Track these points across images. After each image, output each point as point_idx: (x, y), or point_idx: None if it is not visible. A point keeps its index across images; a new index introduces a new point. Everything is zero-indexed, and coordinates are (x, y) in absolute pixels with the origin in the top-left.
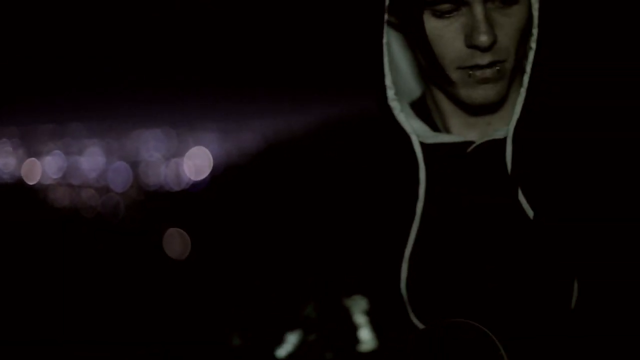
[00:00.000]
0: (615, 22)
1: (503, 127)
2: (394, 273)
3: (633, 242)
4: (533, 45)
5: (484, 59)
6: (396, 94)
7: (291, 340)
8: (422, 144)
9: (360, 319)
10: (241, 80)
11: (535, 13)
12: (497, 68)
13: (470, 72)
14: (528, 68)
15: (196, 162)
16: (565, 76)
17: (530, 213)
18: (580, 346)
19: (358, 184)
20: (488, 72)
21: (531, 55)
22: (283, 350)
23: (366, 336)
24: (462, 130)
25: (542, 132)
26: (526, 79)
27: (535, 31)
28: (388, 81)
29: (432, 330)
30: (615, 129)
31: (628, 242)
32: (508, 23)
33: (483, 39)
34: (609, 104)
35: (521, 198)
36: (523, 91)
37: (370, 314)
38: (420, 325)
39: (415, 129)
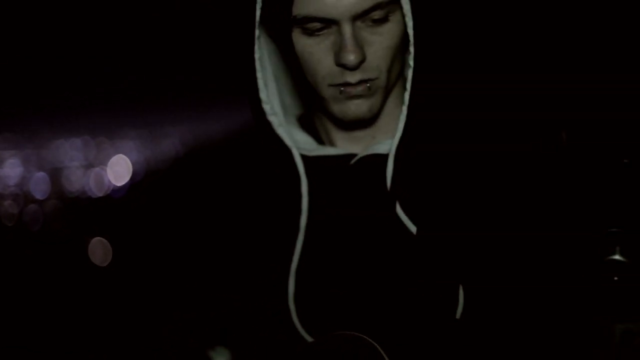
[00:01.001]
0: (491, 38)
1: (387, 141)
2: (281, 287)
3: (515, 252)
4: (411, 62)
5: (353, 77)
6: (279, 107)
7: None
8: (305, 157)
9: None
10: (158, 86)
11: (410, 31)
12: (368, 85)
13: (342, 88)
14: (408, 85)
15: (116, 170)
16: (445, 92)
17: (411, 227)
18: (467, 356)
19: (243, 199)
20: (358, 90)
21: (410, 73)
22: None
23: None
24: (346, 144)
25: (423, 149)
26: (407, 96)
27: (412, 49)
28: (263, 95)
29: (320, 343)
30: (492, 143)
31: (509, 253)
32: (378, 41)
33: (350, 58)
34: (487, 118)
35: (400, 213)
36: (404, 108)
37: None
38: (309, 339)
39: (299, 142)
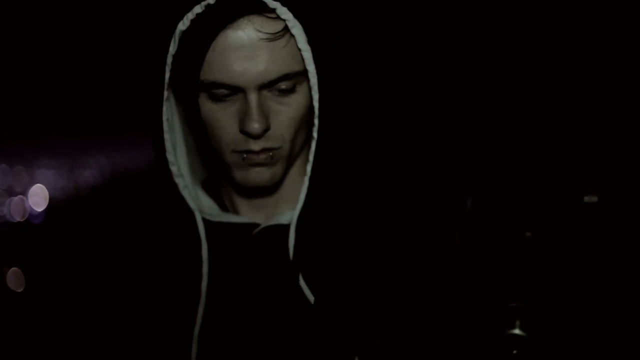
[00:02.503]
0: (394, 113)
1: (289, 210)
2: (184, 353)
3: (414, 324)
4: (315, 134)
5: (257, 145)
6: (186, 169)
7: None
8: (208, 222)
9: None
10: (77, 116)
11: (316, 104)
12: (270, 154)
13: (244, 155)
14: (311, 157)
15: (34, 199)
16: (347, 165)
17: (311, 298)
18: None
19: (145, 256)
20: (261, 158)
21: (313, 145)
22: None
23: None
24: (249, 211)
25: (324, 220)
26: (309, 167)
27: (316, 121)
28: (171, 157)
29: None
30: (392, 215)
31: (408, 324)
32: (284, 111)
33: (255, 126)
34: (390, 190)
35: (302, 283)
36: (306, 179)
37: None
38: None
39: (204, 207)
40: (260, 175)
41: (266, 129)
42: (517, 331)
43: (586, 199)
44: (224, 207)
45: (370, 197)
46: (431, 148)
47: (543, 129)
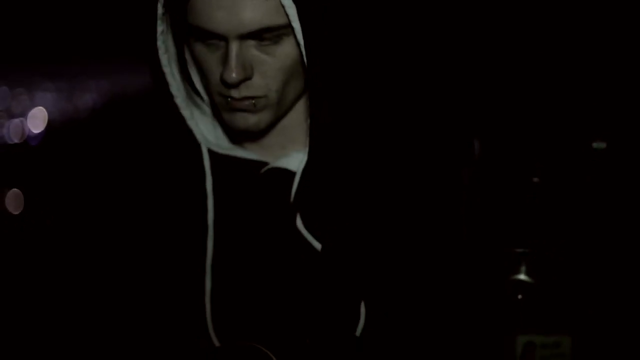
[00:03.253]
0: (388, 55)
1: (296, 153)
2: (196, 287)
3: (418, 268)
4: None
5: (237, 93)
6: (198, 97)
7: None
8: (214, 155)
9: None
10: (79, 39)
11: (305, 59)
12: (253, 102)
13: (228, 99)
14: (310, 109)
15: (33, 121)
16: (348, 113)
17: (315, 244)
18: None
19: (151, 188)
20: (243, 104)
21: (309, 96)
22: None
23: None
24: (257, 149)
25: (329, 169)
26: (308, 120)
27: (307, 75)
28: (174, 90)
29: (221, 351)
30: (398, 160)
31: (413, 269)
32: (269, 62)
33: (232, 75)
34: (393, 134)
35: (301, 228)
36: (309, 132)
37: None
38: (216, 342)
39: (212, 137)
40: (245, 120)
41: (246, 79)
42: (522, 277)
43: (594, 145)
44: (234, 142)
45: (377, 144)
46: (439, 92)
47: (552, 75)
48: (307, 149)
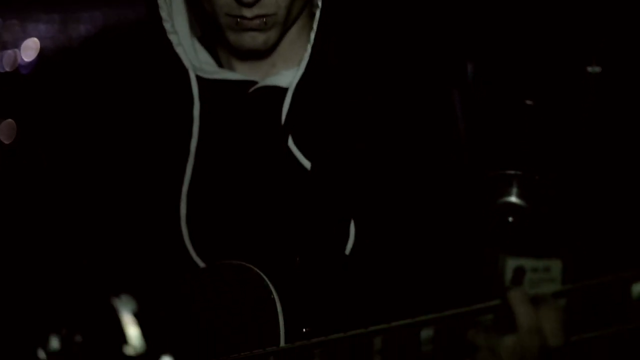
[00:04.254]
0: None
1: (286, 71)
2: (172, 212)
3: (408, 188)
4: (319, 3)
5: (250, 12)
6: (182, 25)
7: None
8: (202, 80)
9: (128, 319)
10: None
11: None
12: (264, 20)
13: (238, 19)
14: (315, 25)
15: (26, 52)
16: (352, 36)
17: (303, 161)
18: (355, 291)
19: (136, 114)
20: (254, 23)
21: (317, 13)
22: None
23: (134, 338)
24: (246, 70)
25: (322, 88)
26: (312, 35)
27: None
28: (164, 13)
29: (208, 270)
30: (391, 84)
31: (402, 189)
32: None
33: None
34: (385, 60)
35: (292, 146)
36: (309, 47)
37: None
38: (202, 264)
39: (199, 63)
40: (254, 39)
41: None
42: (513, 199)
43: (589, 69)
44: (220, 65)
45: (372, 64)
46: (433, 14)
47: None
48: (297, 67)
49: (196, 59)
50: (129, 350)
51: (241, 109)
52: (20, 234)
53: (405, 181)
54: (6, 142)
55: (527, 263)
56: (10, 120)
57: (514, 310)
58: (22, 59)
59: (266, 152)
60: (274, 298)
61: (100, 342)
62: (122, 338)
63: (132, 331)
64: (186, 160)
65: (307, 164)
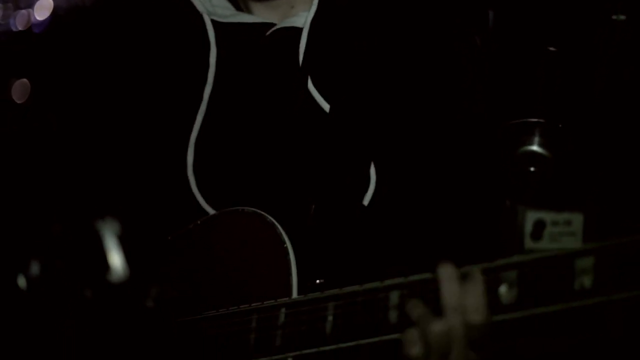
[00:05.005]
0: None
1: (306, 12)
2: (180, 158)
3: (429, 134)
4: None
5: None
6: None
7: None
8: (218, 25)
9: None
10: None
11: None
12: None
13: None
14: None
15: (39, 11)
16: None
17: (324, 105)
18: (372, 243)
19: (151, 61)
20: None
21: None
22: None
23: (116, 262)
24: (264, 11)
25: (338, 27)
26: None
27: None
28: None
29: (219, 217)
30: (410, 27)
31: (424, 135)
32: None
33: None
34: (411, 10)
35: (312, 89)
36: None
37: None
38: (211, 211)
39: (215, 7)
40: None
41: None
42: (535, 148)
43: (614, 17)
44: (238, 8)
45: (390, 7)
46: None
47: None
48: (312, 7)
49: (209, 4)
50: (111, 277)
51: (259, 52)
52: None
53: (425, 126)
54: (18, 101)
55: (548, 216)
56: (24, 79)
57: (440, 288)
58: (35, 19)
59: (284, 95)
60: (286, 247)
61: (82, 268)
62: (105, 264)
63: (115, 257)
64: (197, 107)
65: (326, 106)
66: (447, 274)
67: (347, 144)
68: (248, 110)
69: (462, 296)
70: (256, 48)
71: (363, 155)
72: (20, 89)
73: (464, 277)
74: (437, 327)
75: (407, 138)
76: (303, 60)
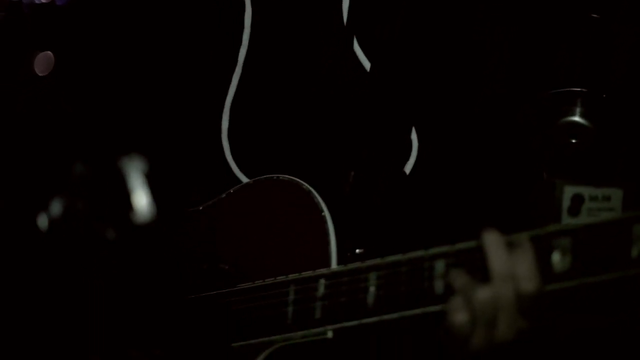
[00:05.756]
0: None
1: None
2: (214, 125)
3: (471, 100)
4: None
5: None
6: None
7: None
8: None
9: (136, 181)
10: None
11: None
12: None
13: None
14: None
15: None
16: None
17: (367, 66)
18: (413, 211)
19: (182, 25)
20: None
21: None
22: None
23: (141, 201)
24: None
25: None
26: None
27: None
28: None
29: (255, 185)
30: None
31: (465, 102)
32: None
33: None
34: None
35: (357, 49)
36: None
37: (149, 176)
38: (244, 179)
39: None
40: None
41: None
42: (576, 118)
43: None
44: None
45: None
46: None
47: None
48: None
49: None
50: (135, 217)
51: (297, 11)
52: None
53: (467, 92)
54: (41, 74)
55: (586, 191)
56: (48, 52)
57: (487, 256)
58: None
59: (325, 56)
60: (324, 216)
61: (104, 208)
62: (129, 204)
63: (140, 196)
64: (232, 71)
65: (367, 65)
66: (493, 240)
67: (389, 108)
68: (285, 73)
69: (511, 264)
70: (294, 7)
71: (405, 120)
72: (43, 61)
73: (511, 245)
74: (483, 293)
75: (448, 104)
76: (348, 19)
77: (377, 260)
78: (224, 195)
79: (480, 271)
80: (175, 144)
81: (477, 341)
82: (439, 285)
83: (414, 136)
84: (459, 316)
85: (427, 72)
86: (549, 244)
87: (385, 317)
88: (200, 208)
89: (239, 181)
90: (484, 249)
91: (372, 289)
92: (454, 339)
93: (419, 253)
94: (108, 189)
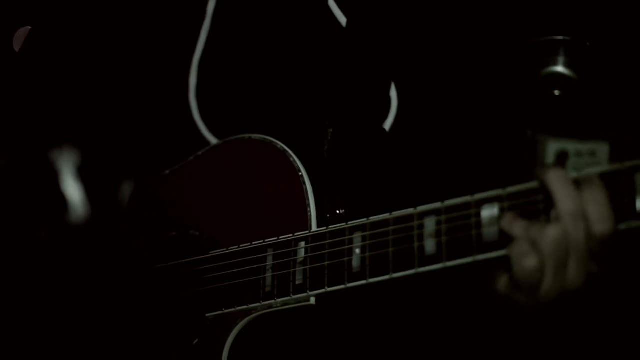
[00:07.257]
0: None
1: None
2: (181, 82)
3: (450, 52)
4: None
5: None
6: None
7: None
8: None
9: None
10: None
11: None
12: None
13: None
14: None
15: None
16: None
17: (342, 20)
18: (394, 169)
19: None
20: None
21: None
22: None
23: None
24: None
25: None
26: None
27: None
28: None
29: (224, 146)
30: None
31: (443, 53)
32: None
33: None
34: None
35: (332, 4)
36: None
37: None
38: (213, 140)
39: None
40: None
41: None
42: (560, 69)
43: None
44: None
45: None
46: None
47: None
48: None
49: None
50: (70, 215)
51: None
52: None
53: (446, 45)
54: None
55: (571, 146)
56: (28, 27)
57: (553, 194)
58: None
59: (298, 10)
60: (301, 176)
61: (36, 207)
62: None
63: (73, 191)
64: (201, 25)
65: (344, 21)
66: (559, 177)
67: (366, 64)
68: (257, 28)
69: (580, 202)
70: None
71: (383, 76)
72: (23, 37)
73: (577, 184)
74: (552, 232)
75: (427, 59)
76: None
77: (363, 221)
78: (192, 158)
79: (543, 212)
80: (138, 103)
81: (547, 287)
82: (491, 232)
83: (393, 92)
84: (527, 261)
85: (404, 26)
86: (630, 181)
87: (372, 280)
88: (167, 172)
89: (208, 143)
90: (550, 187)
91: (357, 251)
92: (521, 290)
93: (408, 211)
94: (38, 184)
